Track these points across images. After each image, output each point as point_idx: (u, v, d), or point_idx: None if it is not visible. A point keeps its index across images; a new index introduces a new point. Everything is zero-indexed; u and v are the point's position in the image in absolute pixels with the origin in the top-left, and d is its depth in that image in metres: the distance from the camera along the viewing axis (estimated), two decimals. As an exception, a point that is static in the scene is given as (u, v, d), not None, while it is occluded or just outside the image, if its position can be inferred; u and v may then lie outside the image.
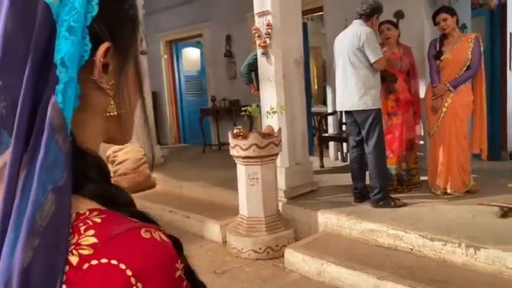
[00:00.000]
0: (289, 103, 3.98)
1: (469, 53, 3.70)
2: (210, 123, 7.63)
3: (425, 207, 3.57)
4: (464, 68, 3.73)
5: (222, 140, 7.05)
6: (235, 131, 3.59)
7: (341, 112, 4.70)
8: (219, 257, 3.62)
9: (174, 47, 8.44)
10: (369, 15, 3.64)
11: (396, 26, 4.04)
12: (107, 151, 5.22)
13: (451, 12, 3.78)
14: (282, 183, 3.94)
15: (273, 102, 3.92)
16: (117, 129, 0.52)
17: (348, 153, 4.93)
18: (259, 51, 4.02)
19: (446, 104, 3.74)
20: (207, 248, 3.84)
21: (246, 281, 3.16)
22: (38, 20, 0.42)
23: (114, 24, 0.47)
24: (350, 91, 3.63)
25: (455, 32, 3.78)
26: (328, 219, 3.59)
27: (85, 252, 0.39)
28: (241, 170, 3.61)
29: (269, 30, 3.87)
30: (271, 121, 3.82)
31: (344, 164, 5.50)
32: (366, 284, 2.78)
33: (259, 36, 3.96)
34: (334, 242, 3.40)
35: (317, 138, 5.80)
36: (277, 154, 3.62)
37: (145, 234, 0.42)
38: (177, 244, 0.46)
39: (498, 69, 5.45)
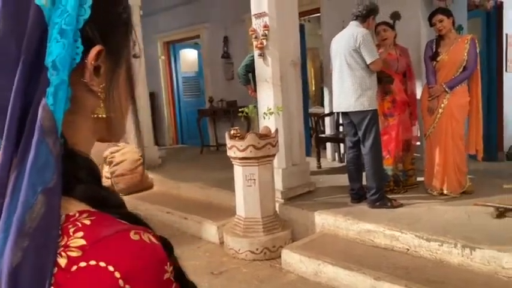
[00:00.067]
0: (286, 104, 3.99)
1: (465, 54, 3.72)
2: (207, 124, 7.63)
3: (422, 208, 3.59)
4: (461, 69, 3.75)
5: (220, 141, 7.05)
6: (232, 132, 3.59)
7: (338, 113, 4.71)
8: (216, 257, 3.62)
9: (172, 48, 8.44)
10: (365, 16, 3.65)
11: (392, 27, 4.05)
12: (104, 152, 5.22)
13: (447, 13, 3.79)
14: (279, 184, 3.94)
15: (270, 103, 3.93)
16: (105, 131, 0.52)
17: (345, 154, 4.93)
18: (256, 52, 4.03)
19: (442, 105, 3.76)
20: (204, 248, 3.84)
21: (243, 282, 3.17)
22: (29, 23, 0.42)
23: (106, 27, 0.47)
24: (346, 92, 3.65)
25: (451, 33, 3.80)
26: (325, 220, 3.60)
27: (74, 254, 0.39)
28: (238, 171, 3.61)
29: (266, 32, 3.88)
30: (268, 122, 3.83)
31: (341, 164, 5.51)
32: (363, 284, 2.79)
33: (256, 37, 3.97)
34: (331, 242, 3.41)
35: (314, 139, 5.80)
36: (274, 155, 3.63)
37: (134, 237, 0.41)
38: (167, 246, 0.46)
39: (494, 71, 5.48)
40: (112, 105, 0.50)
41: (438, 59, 3.79)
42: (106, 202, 0.46)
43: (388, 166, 3.95)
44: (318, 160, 5.40)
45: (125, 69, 0.53)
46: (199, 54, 8.26)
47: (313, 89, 9.92)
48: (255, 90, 4.40)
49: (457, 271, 2.81)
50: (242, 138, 3.49)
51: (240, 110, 3.78)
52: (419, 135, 4.31)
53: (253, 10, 3.99)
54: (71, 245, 0.40)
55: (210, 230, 3.98)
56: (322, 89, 7.06)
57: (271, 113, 3.79)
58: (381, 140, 3.76)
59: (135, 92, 0.55)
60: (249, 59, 4.94)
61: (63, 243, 0.40)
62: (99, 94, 0.48)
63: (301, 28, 5.69)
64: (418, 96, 4.14)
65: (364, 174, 3.79)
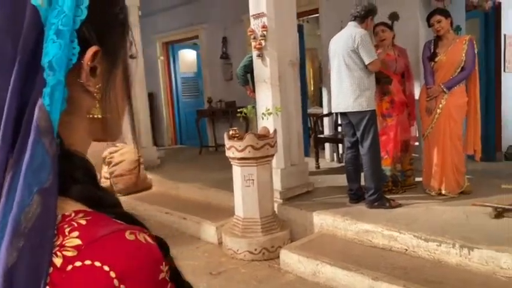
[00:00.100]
0: (284, 104, 3.99)
1: (463, 54, 3.72)
2: (206, 125, 7.63)
3: (420, 208, 3.59)
4: (459, 70, 3.75)
5: (219, 142, 7.05)
6: (230, 132, 3.60)
7: (336, 113, 4.72)
8: (215, 258, 3.62)
9: (171, 48, 8.45)
10: (364, 17, 3.66)
11: (391, 27, 4.06)
12: (103, 152, 5.22)
13: (445, 14, 3.80)
14: (277, 184, 3.95)
15: (269, 104, 3.93)
16: (101, 131, 0.51)
17: (344, 155, 4.94)
18: (254, 53, 4.04)
19: (440, 106, 3.77)
20: (203, 249, 3.85)
21: (241, 282, 3.17)
22: (25, 23, 0.42)
23: (103, 28, 0.47)
24: (345, 93, 3.65)
25: (449, 33, 3.81)
26: (323, 220, 3.60)
27: (69, 253, 0.39)
28: (236, 171, 3.62)
29: (264, 32, 3.88)
30: (266, 122, 3.83)
31: (340, 165, 5.51)
32: (361, 284, 2.79)
33: (254, 38, 3.97)
34: (330, 242, 3.41)
35: (313, 139, 5.81)
36: (272, 155, 3.63)
37: (129, 237, 0.41)
38: (163, 246, 0.46)
39: (493, 71, 5.49)
40: (108, 106, 0.49)
41: (436, 59, 3.80)
42: (102, 202, 0.46)
43: (386, 166, 3.96)
44: (317, 160, 5.41)
45: (121, 70, 0.52)
46: (198, 55, 8.26)
47: (312, 89, 9.93)
48: (254, 91, 4.41)
49: (455, 271, 2.82)
50: (241, 138, 3.49)
51: (238, 110, 3.79)
52: (417, 135, 4.31)
53: (252, 11, 4.00)
54: (67, 244, 0.40)
55: (209, 231, 3.98)
56: (321, 89, 7.08)
57: (269, 114, 3.80)
58: (379, 140, 3.76)
59: (132, 92, 0.55)
60: (247, 60, 4.95)
61: (58, 242, 0.40)
62: (95, 95, 0.47)
63: (300, 28, 5.70)
64: (417, 97, 4.15)
65: (362, 174, 3.80)
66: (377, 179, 3.67)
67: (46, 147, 0.41)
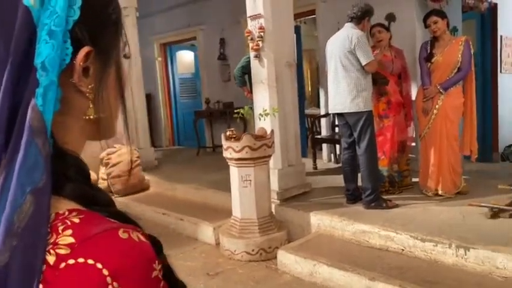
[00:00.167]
0: (281, 105, 4.00)
1: (459, 55, 3.74)
2: (204, 126, 7.63)
3: (417, 209, 3.60)
4: (455, 71, 3.77)
5: (216, 142, 7.05)
6: (227, 133, 3.60)
7: (334, 114, 4.73)
8: (212, 259, 3.63)
9: (169, 49, 8.45)
10: (360, 18, 3.67)
11: (387, 28, 4.07)
12: (101, 153, 5.21)
13: (442, 15, 3.82)
14: (274, 185, 3.95)
15: (266, 105, 3.94)
16: (95, 131, 0.52)
17: (341, 155, 4.95)
18: (252, 54, 4.05)
19: (437, 106, 3.78)
20: (200, 250, 3.85)
21: (238, 283, 3.17)
22: (17, 24, 0.42)
23: (96, 28, 0.47)
24: (342, 93, 3.66)
25: (445, 34, 3.82)
26: (320, 221, 3.61)
27: (62, 251, 0.40)
28: (234, 172, 3.62)
29: (261, 34, 3.89)
30: (264, 123, 3.84)
31: (337, 165, 5.52)
32: (358, 284, 2.80)
33: (251, 39, 3.98)
34: (327, 243, 3.42)
35: (310, 140, 5.82)
36: (270, 156, 3.64)
37: (123, 235, 0.42)
38: (156, 244, 0.46)
39: (489, 72, 5.52)
40: (101, 106, 0.49)
41: (433, 60, 3.82)
42: (95, 201, 0.46)
43: (383, 167, 3.97)
44: (314, 161, 5.42)
45: (114, 70, 0.52)
46: (196, 56, 8.26)
47: (310, 90, 9.94)
48: (251, 92, 4.42)
49: (451, 271, 2.83)
50: (238, 139, 3.50)
51: (236, 111, 3.79)
52: (414, 136, 4.33)
53: (249, 12, 4.01)
54: (60, 242, 0.40)
55: (206, 231, 3.99)
56: (318, 90, 7.09)
57: (266, 114, 3.80)
58: (376, 141, 3.77)
59: (126, 92, 0.55)
60: (245, 61, 4.95)
61: (52, 240, 0.40)
62: (87, 95, 0.47)
63: (297, 30, 5.72)
64: (413, 98, 4.16)
65: (359, 175, 3.81)
66: (374, 179, 3.68)
67: (39, 148, 0.41)
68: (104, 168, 5.29)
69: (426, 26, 3.87)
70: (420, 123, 3.94)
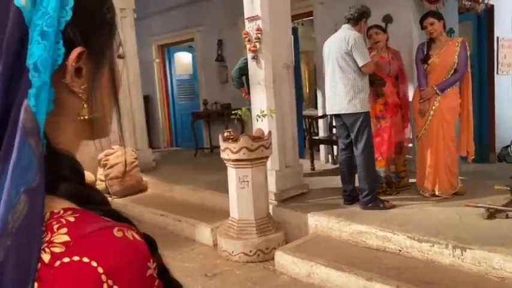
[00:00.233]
0: (279, 106, 4.01)
1: (456, 56, 3.76)
2: (202, 127, 7.63)
3: (414, 209, 3.61)
4: (451, 72, 3.79)
5: (214, 144, 7.05)
6: (225, 134, 3.61)
7: (331, 115, 4.74)
8: (210, 260, 3.63)
9: (166, 51, 8.45)
10: (357, 19, 3.68)
11: (384, 30, 4.08)
12: (99, 155, 5.21)
13: (438, 16, 3.83)
14: (272, 186, 3.96)
15: (263, 106, 3.95)
16: (89, 131, 0.52)
17: (338, 156, 4.96)
18: (249, 55, 4.06)
19: (433, 107, 3.79)
20: (198, 251, 3.85)
21: (236, 284, 3.18)
22: (9, 24, 0.42)
23: (89, 29, 0.47)
24: (339, 95, 3.67)
25: (442, 36, 3.84)
26: (318, 222, 3.61)
27: (57, 250, 0.40)
28: (231, 173, 3.62)
29: (259, 35, 3.90)
30: (261, 124, 3.84)
31: (334, 166, 5.52)
32: (355, 285, 2.80)
33: (249, 40, 3.99)
34: (324, 244, 3.42)
35: (308, 141, 5.83)
36: (267, 157, 3.65)
37: (117, 233, 0.42)
38: (151, 243, 0.46)
39: (486, 73, 5.54)
40: (94, 106, 0.49)
41: (429, 61, 3.83)
42: (90, 200, 0.46)
43: (380, 168, 3.98)
44: (312, 162, 5.42)
45: (108, 70, 0.52)
46: (194, 57, 8.27)
47: (307, 91, 9.95)
48: (249, 93, 4.42)
49: (448, 272, 2.83)
50: (235, 140, 3.50)
51: (233, 112, 3.80)
52: (411, 137, 4.34)
53: (246, 13, 4.02)
54: (55, 240, 0.40)
55: (204, 232, 3.99)
56: (315, 91, 7.09)
57: (264, 116, 3.81)
58: (373, 142, 3.78)
59: (119, 92, 0.55)
60: (242, 62, 4.96)
61: (47, 239, 0.41)
62: (80, 95, 0.47)
63: (295, 31, 5.73)
64: (410, 99, 4.17)
65: (356, 176, 3.82)
66: (371, 180, 3.69)
67: (33, 148, 0.41)
68: (102, 169, 5.29)
69: (423, 28, 3.88)
70: (417, 124, 3.95)
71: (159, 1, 7.67)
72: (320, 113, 5.86)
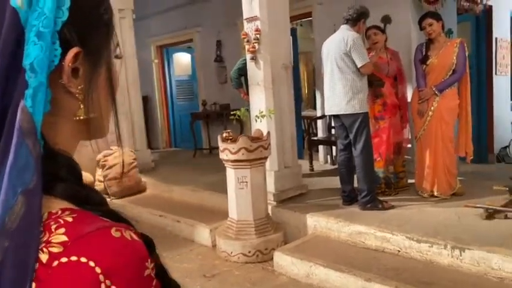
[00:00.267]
0: (278, 107, 4.01)
1: (454, 57, 3.76)
2: (200, 128, 7.63)
3: (413, 210, 3.62)
4: (450, 73, 3.79)
5: (213, 144, 7.05)
6: (224, 134, 3.61)
7: (330, 116, 4.74)
8: (209, 260, 3.63)
9: (165, 51, 8.45)
10: (356, 20, 3.69)
11: (383, 31, 4.09)
12: (97, 155, 5.21)
13: (437, 17, 3.84)
14: (271, 187, 3.96)
15: (262, 106, 3.95)
16: (86, 131, 0.52)
17: (337, 157, 4.96)
18: (248, 56, 4.06)
19: (432, 108, 3.80)
20: (196, 251, 3.85)
21: (235, 285, 3.17)
22: (5, 25, 0.42)
23: (85, 29, 0.47)
24: (337, 95, 3.67)
25: (440, 36, 3.84)
26: (317, 222, 3.61)
27: (55, 250, 0.40)
28: (230, 173, 3.62)
29: (258, 36, 3.90)
30: (260, 125, 3.84)
31: (333, 167, 5.52)
32: (354, 285, 2.80)
33: (248, 41, 3.99)
34: (323, 244, 3.42)
35: (306, 141, 5.83)
36: (266, 157, 3.65)
37: (115, 233, 0.42)
38: (149, 243, 0.47)
39: (484, 73, 5.54)
40: (91, 106, 0.49)
41: (428, 62, 3.84)
42: (88, 200, 0.46)
43: (379, 168, 3.98)
44: (310, 163, 5.42)
45: (105, 70, 0.52)
46: (193, 58, 8.27)
47: (306, 92, 9.96)
48: (248, 94, 4.43)
49: (447, 272, 2.84)
50: (234, 141, 3.50)
51: (232, 113, 3.80)
52: (410, 137, 4.34)
53: (245, 14, 4.02)
54: (53, 241, 0.40)
55: (203, 233, 3.99)
56: (314, 92, 7.10)
57: (263, 116, 3.81)
58: (371, 142, 3.79)
59: (116, 92, 0.55)
60: (241, 63, 4.96)
61: (44, 239, 0.41)
62: (77, 95, 0.47)
63: (293, 32, 5.73)
64: (409, 99, 4.18)
65: (355, 176, 3.82)
66: (370, 181, 3.69)
67: (30, 149, 0.41)
68: (101, 170, 5.28)
69: (421, 28, 3.89)
70: (415, 125, 3.95)
71: (158, 2, 7.67)
72: (319, 114, 5.86)
